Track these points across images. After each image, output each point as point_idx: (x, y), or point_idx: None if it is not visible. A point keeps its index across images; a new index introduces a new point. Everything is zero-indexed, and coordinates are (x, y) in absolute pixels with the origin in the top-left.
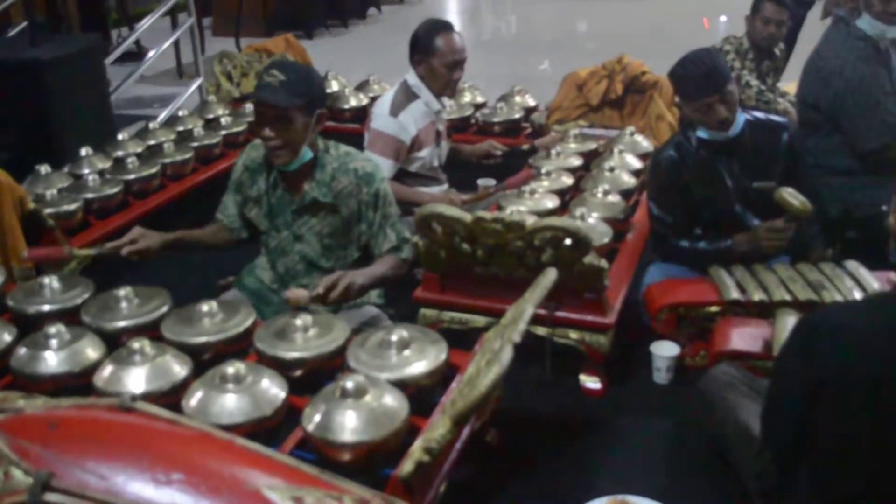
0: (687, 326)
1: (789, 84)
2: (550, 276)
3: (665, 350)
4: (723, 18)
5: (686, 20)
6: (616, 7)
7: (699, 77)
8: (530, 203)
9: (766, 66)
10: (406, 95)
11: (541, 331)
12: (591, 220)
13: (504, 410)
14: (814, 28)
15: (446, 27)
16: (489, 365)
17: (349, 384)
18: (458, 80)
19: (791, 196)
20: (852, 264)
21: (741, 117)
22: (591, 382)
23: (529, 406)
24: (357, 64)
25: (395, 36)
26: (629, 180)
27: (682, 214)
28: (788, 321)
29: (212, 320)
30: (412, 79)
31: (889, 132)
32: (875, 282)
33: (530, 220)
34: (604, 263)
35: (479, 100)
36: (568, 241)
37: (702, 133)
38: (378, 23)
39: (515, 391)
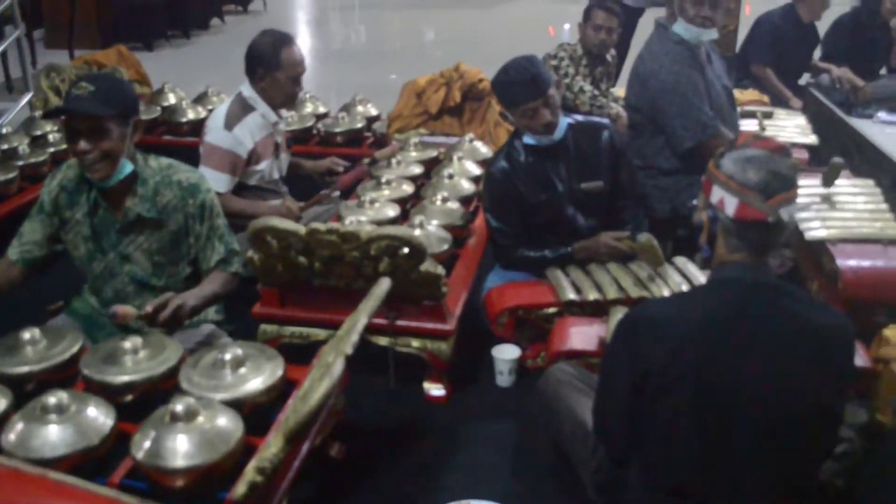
0: (527, 329)
1: (621, 88)
2: (384, 285)
3: (506, 353)
4: (566, 26)
5: (531, 27)
6: (463, 15)
7: (523, 83)
8: (370, 213)
9: (600, 71)
10: (241, 108)
11: (382, 340)
12: (431, 228)
13: (348, 423)
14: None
15: (290, 40)
16: (321, 379)
17: (179, 407)
18: (298, 93)
19: (653, 247)
20: (680, 260)
21: (564, 121)
22: (435, 389)
23: (374, 417)
24: (199, 76)
25: (239, 47)
26: (468, 187)
27: (519, 223)
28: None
29: (35, 348)
30: (247, 91)
31: (703, 131)
32: (702, 276)
33: (366, 230)
34: (441, 270)
35: (322, 110)
36: (404, 250)
37: (528, 139)
38: (221, 33)
39: (359, 403)
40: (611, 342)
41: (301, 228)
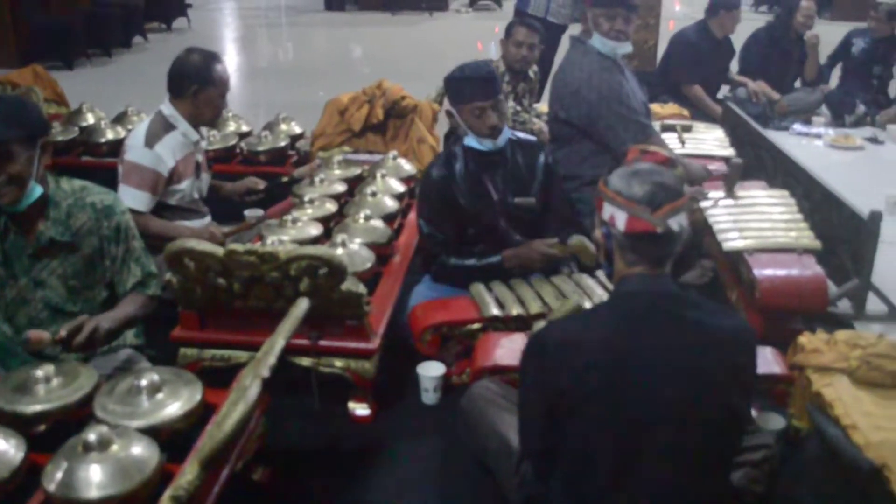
0: (452, 345)
1: (544, 104)
2: (302, 306)
3: (431, 370)
4: (492, 44)
5: (459, 43)
6: (392, 32)
7: (478, 80)
8: (293, 232)
9: (522, 87)
10: (162, 126)
11: (305, 361)
12: (353, 246)
13: (272, 446)
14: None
15: (219, 57)
16: (236, 404)
17: (92, 436)
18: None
19: (585, 246)
20: (602, 273)
21: (507, 132)
22: (360, 409)
23: (299, 439)
24: (121, 95)
25: (162, 65)
26: (392, 204)
27: (453, 231)
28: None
29: None
30: (167, 109)
31: (643, 132)
32: None
33: (284, 250)
34: (362, 289)
35: (245, 129)
36: (324, 270)
37: (471, 141)
38: (144, 51)
39: (284, 425)
40: (523, 360)
41: (219, 250)
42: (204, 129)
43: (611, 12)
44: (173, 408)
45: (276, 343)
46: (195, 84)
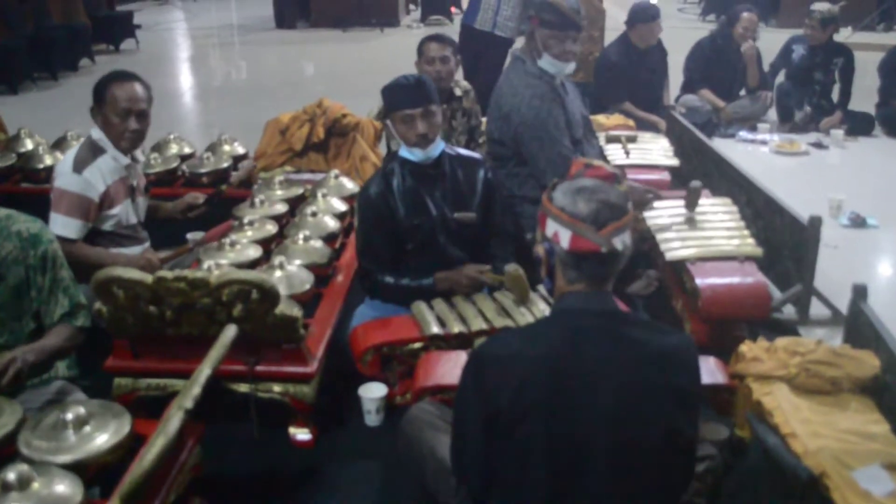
0: (395, 365)
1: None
2: (229, 333)
3: (373, 392)
4: None
5: (408, 59)
6: (341, 49)
7: (407, 87)
8: (232, 255)
9: (447, 108)
10: (91, 151)
11: (243, 387)
12: (291, 268)
13: (210, 476)
14: None
15: (124, 76)
16: (156, 436)
17: (11, 475)
18: (136, 133)
19: (521, 278)
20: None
21: (441, 145)
22: (301, 434)
23: (238, 467)
24: (67, 119)
25: None
26: (333, 224)
27: (388, 247)
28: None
29: None
30: (96, 133)
31: (564, 164)
32: None
33: (215, 276)
34: (297, 312)
35: (187, 150)
36: (256, 294)
37: (405, 152)
38: (91, 74)
39: (223, 454)
40: (461, 380)
41: (147, 277)
42: (140, 152)
43: (562, 35)
44: (100, 441)
45: (202, 373)
46: (95, 105)
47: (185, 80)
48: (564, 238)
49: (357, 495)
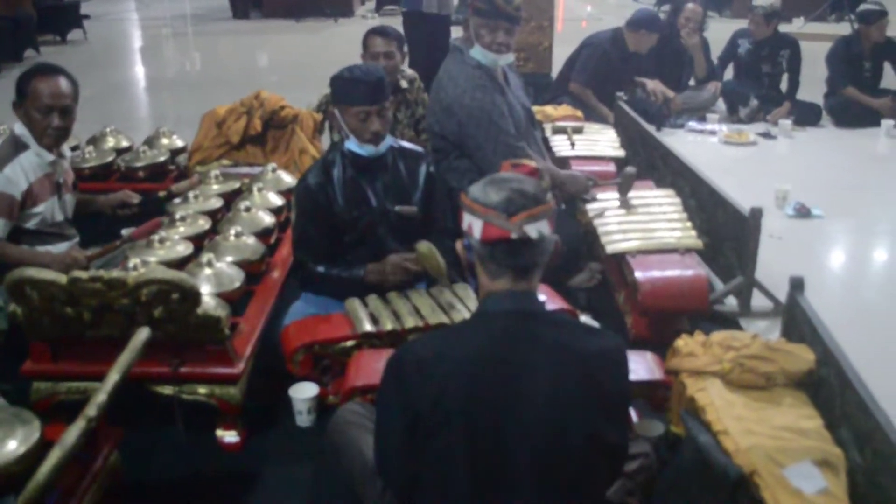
0: (328, 364)
1: None
2: (141, 336)
3: (304, 392)
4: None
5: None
6: (296, 39)
7: (367, 84)
8: (161, 252)
9: (392, 101)
10: (14, 147)
11: (167, 390)
12: (220, 265)
13: (133, 481)
14: None
15: (48, 70)
16: (54, 447)
17: None
18: (59, 129)
19: (433, 255)
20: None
21: (390, 140)
22: (229, 436)
23: (163, 471)
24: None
25: None
26: (268, 220)
27: (323, 238)
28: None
29: None
30: (19, 128)
31: (511, 152)
32: None
33: (133, 276)
34: (220, 312)
35: (124, 144)
36: (176, 294)
37: (352, 145)
38: None
39: (148, 458)
40: (381, 381)
41: (62, 277)
42: (67, 148)
43: (492, 24)
44: (7, 449)
45: (110, 379)
46: (16, 98)
47: (135, 71)
48: (477, 228)
49: (286, 498)
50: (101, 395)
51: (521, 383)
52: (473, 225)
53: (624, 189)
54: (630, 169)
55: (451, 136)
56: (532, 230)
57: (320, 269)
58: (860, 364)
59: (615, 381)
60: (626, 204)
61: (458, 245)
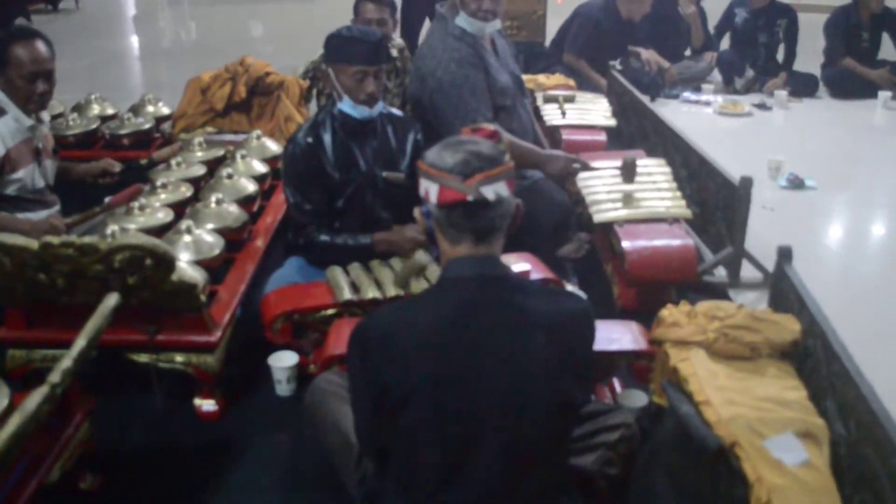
0: (309, 333)
1: None
2: (110, 302)
3: (283, 360)
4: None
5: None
6: (287, 8)
7: (367, 44)
8: (141, 219)
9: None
10: None
11: (143, 358)
12: (199, 232)
13: (107, 451)
14: None
15: (26, 34)
16: (13, 413)
17: None
18: (44, 94)
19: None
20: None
21: (381, 105)
22: (207, 405)
23: (139, 440)
24: None
25: None
26: (250, 187)
27: (321, 201)
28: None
29: None
30: None
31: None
32: None
33: (106, 242)
34: (196, 279)
35: (110, 111)
36: (149, 261)
37: (345, 106)
38: None
39: (124, 426)
40: (347, 353)
41: (33, 243)
42: (46, 113)
43: None
44: None
45: (76, 345)
46: None
47: (128, 40)
48: (433, 193)
49: (263, 468)
50: (67, 362)
51: (485, 349)
52: (430, 189)
53: (627, 176)
54: (630, 156)
55: (427, 105)
56: (489, 192)
57: (324, 237)
58: (848, 336)
59: (582, 343)
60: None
61: (416, 212)
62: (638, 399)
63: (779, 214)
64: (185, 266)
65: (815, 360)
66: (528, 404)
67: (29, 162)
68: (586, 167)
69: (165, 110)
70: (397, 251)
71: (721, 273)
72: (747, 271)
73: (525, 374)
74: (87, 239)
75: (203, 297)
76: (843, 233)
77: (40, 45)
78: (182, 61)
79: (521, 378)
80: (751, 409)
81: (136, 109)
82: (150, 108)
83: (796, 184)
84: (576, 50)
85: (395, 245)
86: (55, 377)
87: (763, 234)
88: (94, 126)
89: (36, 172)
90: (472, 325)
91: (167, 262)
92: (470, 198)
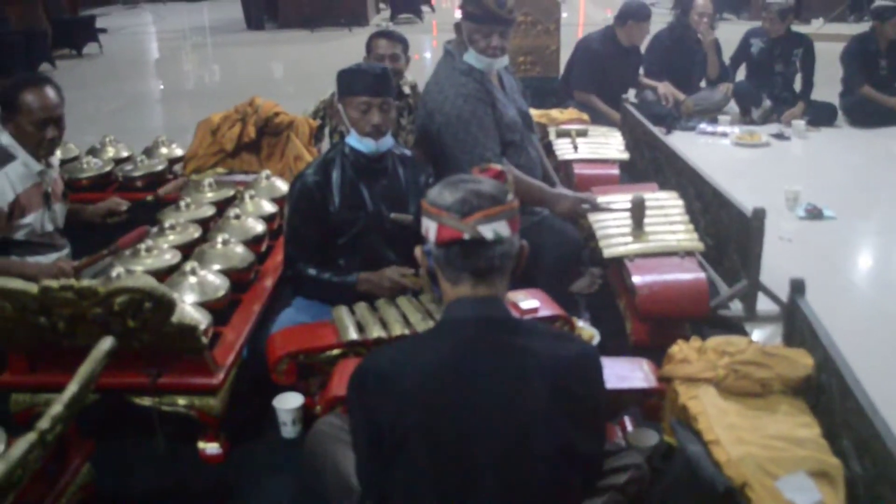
0: (315, 374)
1: None
2: (104, 346)
3: (288, 402)
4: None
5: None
6: (311, 49)
7: (371, 75)
8: (148, 261)
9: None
10: (1, 157)
11: (146, 401)
12: (205, 274)
13: (108, 495)
14: None
15: (36, 81)
16: None
17: None
18: (53, 139)
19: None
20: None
21: (391, 141)
22: (210, 448)
23: (142, 484)
24: None
25: (72, 93)
26: (258, 227)
27: (316, 238)
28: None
29: None
30: (6, 139)
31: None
32: None
33: (105, 285)
34: (196, 321)
35: (124, 154)
36: (149, 304)
37: (352, 139)
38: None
39: (127, 470)
40: (346, 397)
41: (32, 287)
42: (55, 157)
43: (486, 29)
44: None
45: (68, 390)
46: (5, 112)
47: (150, 83)
48: (432, 231)
49: None
50: (57, 407)
51: (483, 393)
52: (430, 228)
53: (637, 217)
54: (638, 196)
55: (433, 142)
56: (487, 230)
57: (311, 271)
58: (865, 371)
59: (587, 388)
60: (641, 229)
61: (418, 251)
62: (649, 438)
63: (797, 245)
64: (187, 308)
65: (830, 396)
66: (527, 451)
67: (38, 206)
68: (595, 207)
69: (178, 152)
70: (378, 292)
71: (737, 307)
72: (765, 304)
73: (524, 420)
74: (86, 282)
75: (205, 339)
76: (863, 264)
77: (49, 92)
78: (203, 103)
79: (519, 424)
80: (762, 447)
81: (149, 151)
82: (164, 150)
83: (814, 214)
84: (583, 85)
85: (376, 286)
86: (44, 423)
87: (780, 265)
88: (107, 169)
89: (45, 217)
90: (470, 368)
91: (166, 305)
92: (466, 236)
